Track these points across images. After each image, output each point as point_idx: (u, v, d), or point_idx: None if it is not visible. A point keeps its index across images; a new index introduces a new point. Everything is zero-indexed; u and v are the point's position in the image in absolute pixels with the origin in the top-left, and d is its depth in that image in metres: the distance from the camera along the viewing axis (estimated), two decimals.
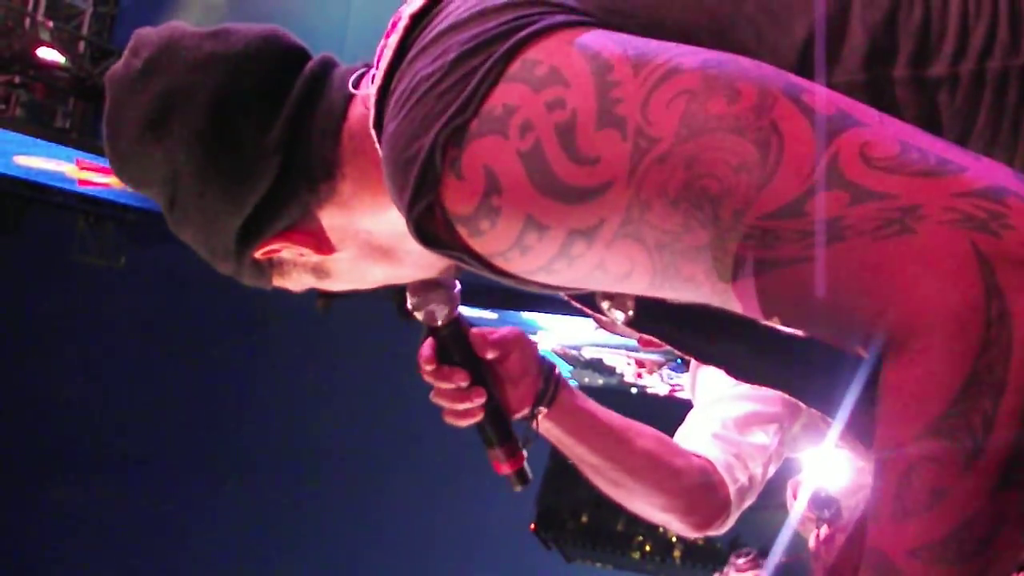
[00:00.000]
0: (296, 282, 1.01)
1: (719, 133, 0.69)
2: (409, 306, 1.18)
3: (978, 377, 0.63)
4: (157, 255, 13.44)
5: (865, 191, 0.65)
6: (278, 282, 1.01)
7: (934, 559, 0.65)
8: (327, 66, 0.91)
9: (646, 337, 1.72)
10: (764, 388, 1.55)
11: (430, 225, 0.77)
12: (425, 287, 1.15)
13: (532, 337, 1.41)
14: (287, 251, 0.94)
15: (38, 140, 8.56)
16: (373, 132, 0.83)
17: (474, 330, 1.24)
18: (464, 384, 1.22)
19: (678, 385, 10.23)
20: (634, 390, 11.23)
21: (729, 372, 1.00)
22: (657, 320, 0.95)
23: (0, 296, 14.14)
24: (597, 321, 1.07)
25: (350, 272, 0.99)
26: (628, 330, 0.99)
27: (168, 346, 16.48)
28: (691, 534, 1.46)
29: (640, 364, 10.86)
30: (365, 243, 0.96)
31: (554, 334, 9.59)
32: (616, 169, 0.71)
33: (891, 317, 0.64)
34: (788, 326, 0.72)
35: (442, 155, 0.74)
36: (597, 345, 10.45)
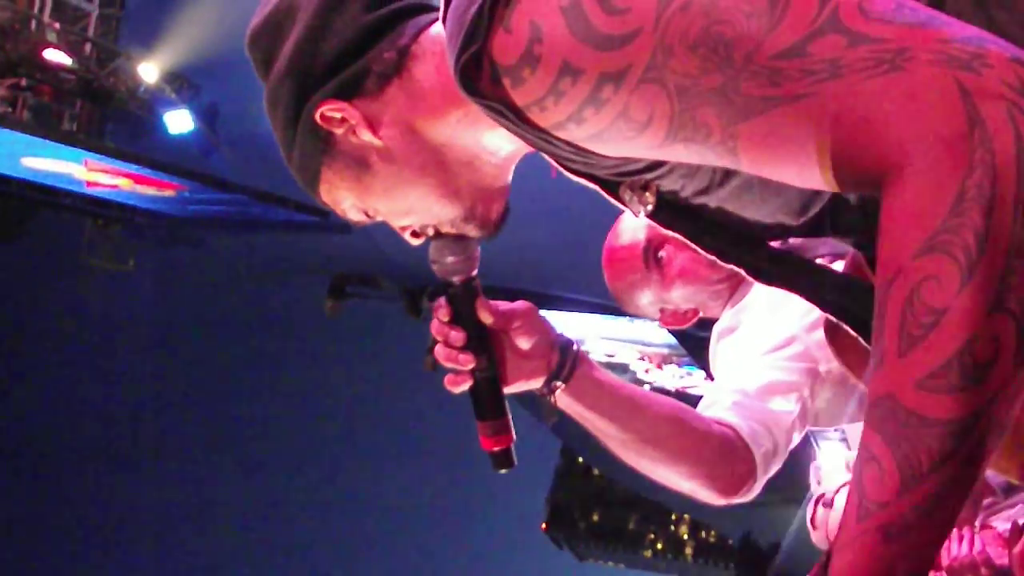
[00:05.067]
0: (340, 177, 1.08)
1: None
2: (430, 257, 1.19)
3: (967, 194, 0.66)
4: (166, 257, 13.45)
5: (861, 36, 0.72)
6: (325, 179, 1.09)
7: (940, 387, 0.67)
8: None
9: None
10: (784, 357, 1.53)
11: (476, 76, 0.87)
12: (447, 242, 1.16)
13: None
14: (339, 128, 1.05)
15: (46, 141, 8.54)
16: (441, 25, 0.93)
17: (483, 298, 1.25)
18: (459, 344, 1.22)
19: (691, 385, 10.25)
20: (647, 387, 11.27)
21: (750, 273, 1.02)
22: (678, 215, 0.99)
23: (9, 298, 14.17)
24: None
25: (391, 179, 1.06)
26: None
27: (177, 349, 16.54)
28: (718, 501, 1.45)
29: (649, 359, 10.92)
30: (415, 143, 1.05)
31: (568, 332, 9.62)
32: (644, 17, 0.80)
33: (883, 146, 0.70)
34: (794, 167, 0.78)
35: (491, 11, 0.85)
36: (608, 339, 10.50)
